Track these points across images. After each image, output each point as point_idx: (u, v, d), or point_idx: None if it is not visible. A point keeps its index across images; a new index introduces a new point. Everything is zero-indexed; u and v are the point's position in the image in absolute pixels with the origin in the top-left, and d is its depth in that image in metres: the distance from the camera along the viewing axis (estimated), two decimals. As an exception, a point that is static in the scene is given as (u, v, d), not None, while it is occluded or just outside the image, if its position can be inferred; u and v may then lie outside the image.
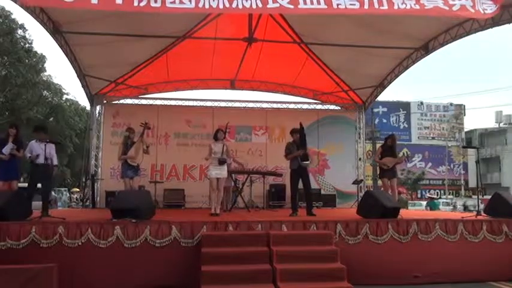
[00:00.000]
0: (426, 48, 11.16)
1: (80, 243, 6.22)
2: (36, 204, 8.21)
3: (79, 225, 6.32)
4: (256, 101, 15.42)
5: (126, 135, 9.22)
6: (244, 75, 13.97)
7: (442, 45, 10.70)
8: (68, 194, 27.08)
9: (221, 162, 8.64)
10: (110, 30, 10.07)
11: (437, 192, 40.65)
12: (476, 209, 8.53)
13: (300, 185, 8.87)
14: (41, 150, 8.14)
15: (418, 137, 42.70)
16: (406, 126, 42.58)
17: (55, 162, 8.64)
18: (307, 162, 8.84)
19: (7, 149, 8.43)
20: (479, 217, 7.55)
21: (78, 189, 25.88)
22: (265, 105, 15.37)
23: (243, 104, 15.23)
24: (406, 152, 9.94)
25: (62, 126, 28.99)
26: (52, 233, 6.21)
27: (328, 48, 11.69)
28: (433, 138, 43.04)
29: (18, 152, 8.52)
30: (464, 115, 45.13)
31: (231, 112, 14.46)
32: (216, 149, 8.70)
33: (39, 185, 8.63)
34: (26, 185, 10.14)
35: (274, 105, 15.42)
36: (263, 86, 15.28)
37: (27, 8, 8.15)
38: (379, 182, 10.62)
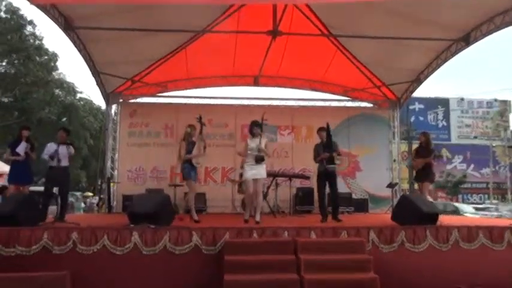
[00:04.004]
0: (467, 39, 10.96)
1: (95, 250, 6.32)
2: (53, 208, 8.42)
3: (94, 231, 6.42)
4: (282, 99, 15.41)
5: (187, 132, 8.96)
6: (268, 71, 13.97)
7: (484, 35, 10.47)
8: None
9: (257, 160, 8.09)
10: (125, 25, 10.20)
11: (481, 197, 39.89)
12: None
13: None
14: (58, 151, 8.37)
15: (459, 136, 41.98)
16: (445, 124, 41.92)
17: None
18: (333, 165, 8.80)
19: (21, 149, 8.66)
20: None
21: (92, 194, 26.22)
22: (291, 103, 15.35)
23: (268, 102, 15.21)
24: (436, 151, 9.57)
25: (76, 126, 29.43)
26: (65, 239, 6.33)
27: (359, 41, 11.60)
28: (475, 137, 42.24)
29: (32, 152, 8.78)
30: (510, 112, 44.21)
31: (255, 110, 14.37)
32: (253, 144, 8.19)
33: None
34: (41, 188, 10.41)
35: (301, 103, 15.40)
36: (289, 83, 15.25)
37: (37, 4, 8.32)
38: (416, 186, 10.43)
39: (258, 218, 7.96)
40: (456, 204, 26.23)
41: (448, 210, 22.44)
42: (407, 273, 6.56)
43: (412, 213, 7.27)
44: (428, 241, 6.77)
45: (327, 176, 8.85)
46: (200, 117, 9.00)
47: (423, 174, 9.59)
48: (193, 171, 8.80)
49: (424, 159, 9.51)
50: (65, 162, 8.46)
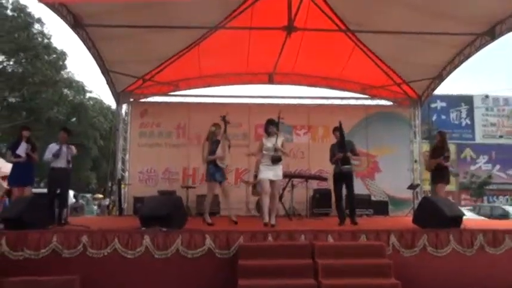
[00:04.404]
0: (492, 34, 10.82)
1: (105, 254, 6.39)
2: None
3: (105, 234, 6.48)
4: (297, 97, 15.40)
5: (211, 131, 8.97)
6: (283, 68, 13.96)
7: (510, 29, 10.37)
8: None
9: (274, 160, 8.04)
10: (135, 22, 10.24)
11: (507, 199, 39.43)
12: None
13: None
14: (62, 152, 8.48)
15: (483, 136, 41.49)
16: (469, 123, 41.48)
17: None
18: (347, 166, 8.76)
19: (22, 150, 8.76)
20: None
21: (101, 196, 26.39)
22: (307, 102, 15.32)
23: (283, 101, 15.20)
24: (446, 152, 9.47)
25: (85, 126, 29.63)
26: (75, 243, 6.40)
27: (378, 36, 11.53)
28: (500, 136, 41.69)
29: (33, 153, 8.89)
30: (539, 109, 43.60)
31: (270, 109, 14.39)
32: (269, 144, 8.14)
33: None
34: (43, 190, 10.54)
35: (318, 101, 15.34)
36: (304, 80, 15.23)
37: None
38: (432, 187, 10.34)
39: (273, 221, 7.92)
40: (505, 207, 24.23)
41: (496, 214, 21.31)
42: (429, 278, 6.52)
43: (434, 216, 7.22)
44: (451, 245, 6.72)
45: (342, 178, 8.83)
46: (224, 116, 8.97)
47: (437, 175, 9.59)
48: (218, 173, 8.77)
49: (435, 160, 9.52)
50: (65, 164, 8.56)
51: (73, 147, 8.83)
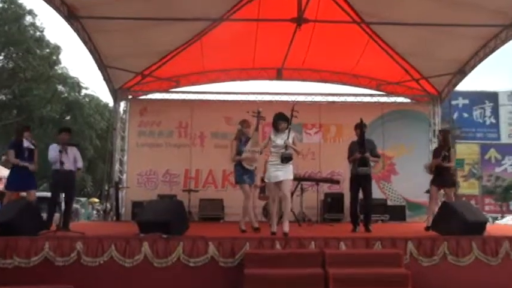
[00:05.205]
0: (519, 25, 10.80)
1: (101, 262, 6.38)
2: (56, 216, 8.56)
3: (101, 241, 6.48)
4: (308, 94, 15.38)
5: (239, 129, 8.69)
6: (292, 63, 13.94)
7: (540, 21, 10.32)
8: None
9: (284, 158, 7.53)
10: (134, 14, 10.27)
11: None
12: None
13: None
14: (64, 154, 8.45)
15: (509, 135, 41.26)
16: (494, 121, 41.23)
17: (79, 165, 8.97)
18: (365, 168, 8.66)
19: (28, 143, 8.76)
20: None
21: (97, 200, 26.44)
22: (318, 98, 15.31)
23: (292, 97, 15.15)
24: (444, 152, 9.15)
25: (81, 125, 29.64)
26: (69, 250, 6.39)
27: (395, 29, 11.51)
28: (528, 136, 41.49)
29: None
30: None
31: (278, 107, 14.33)
32: (279, 141, 7.66)
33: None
34: (45, 194, 10.51)
35: (330, 98, 15.34)
36: (316, 76, 15.24)
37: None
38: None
39: (286, 228, 7.38)
40: None
41: None
42: (450, 289, 6.50)
43: (455, 222, 7.19)
44: (474, 254, 6.68)
45: (358, 180, 8.77)
46: (259, 112, 8.73)
47: (444, 178, 9.32)
48: (247, 175, 8.46)
49: (435, 160, 9.36)
50: (71, 166, 8.58)
51: (75, 148, 8.85)
